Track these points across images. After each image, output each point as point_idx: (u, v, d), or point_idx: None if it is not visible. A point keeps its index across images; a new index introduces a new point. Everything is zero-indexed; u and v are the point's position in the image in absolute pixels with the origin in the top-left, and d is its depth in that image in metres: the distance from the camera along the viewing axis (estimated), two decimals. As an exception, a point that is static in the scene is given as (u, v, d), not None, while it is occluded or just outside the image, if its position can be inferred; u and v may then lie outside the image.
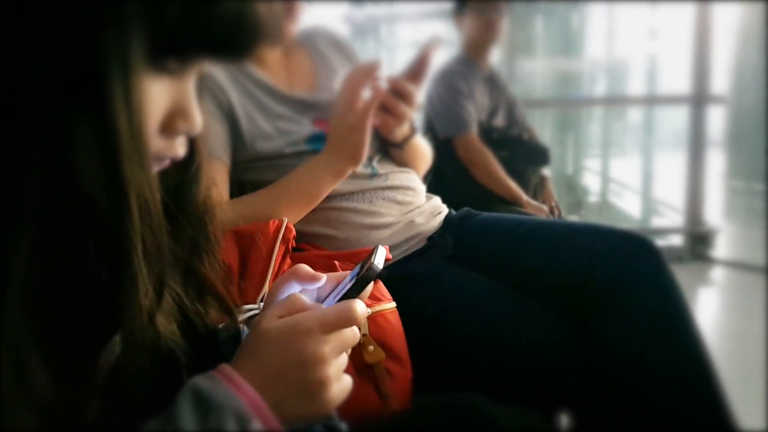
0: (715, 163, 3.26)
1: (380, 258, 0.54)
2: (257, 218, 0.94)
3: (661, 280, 0.94)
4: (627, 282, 0.93)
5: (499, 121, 2.27)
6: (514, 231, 1.11)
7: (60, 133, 0.37)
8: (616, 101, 4.15)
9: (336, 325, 0.49)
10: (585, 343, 0.96)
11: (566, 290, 0.99)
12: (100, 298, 0.42)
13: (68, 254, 0.40)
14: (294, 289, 0.57)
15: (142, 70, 0.39)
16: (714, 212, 3.21)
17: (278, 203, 0.97)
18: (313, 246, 1.02)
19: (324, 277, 0.57)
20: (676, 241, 3.17)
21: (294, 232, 0.87)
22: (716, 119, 3.29)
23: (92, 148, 0.38)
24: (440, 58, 5.00)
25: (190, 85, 0.46)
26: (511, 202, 2.08)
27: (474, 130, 2.12)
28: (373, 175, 1.13)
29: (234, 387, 0.46)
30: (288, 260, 0.87)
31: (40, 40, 0.36)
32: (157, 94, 0.43)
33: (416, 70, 1.04)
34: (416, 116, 1.18)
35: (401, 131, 1.11)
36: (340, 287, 0.55)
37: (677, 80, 3.53)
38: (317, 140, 1.09)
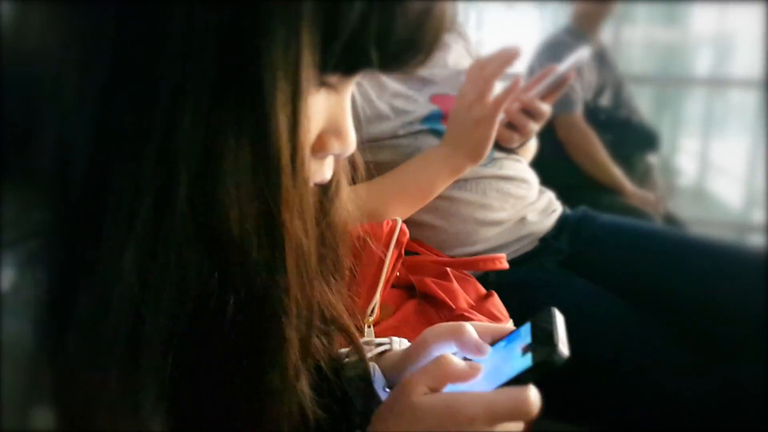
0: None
1: (562, 331, 0.43)
2: (367, 213, 0.85)
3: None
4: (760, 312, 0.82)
5: (606, 100, 2.10)
6: (645, 244, 0.99)
7: (209, 163, 0.30)
8: (722, 83, 3.82)
9: (505, 418, 0.40)
10: (720, 378, 0.85)
11: (706, 321, 0.87)
12: (234, 355, 0.34)
13: (205, 309, 0.33)
14: (447, 350, 0.48)
15: (309, 87, 0.31)
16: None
17: (391, 199, 0.89)
18: (420, 244, 0.93)
19: (489, 350, 0.47)
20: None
21: (408, 235, 0.78)
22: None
23: (247, 183, 0.30)
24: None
25: (347, 98, 0.38)
26: (614, 191, 1.94)
27: (579, 110, 1.96)
28: (489, 160, 1.03)
29: None
30: (400, 264, 0.78)
31: (195, 47, 0.28)
32: (314, 111, 0.35)
33: (552, 89, 0.93)
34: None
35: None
36: (501, 356, 0.45)
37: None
38: (434, 119, 1.00)
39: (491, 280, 0.95)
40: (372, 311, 0.72)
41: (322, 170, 0.40)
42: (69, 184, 0.30)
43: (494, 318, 0.76)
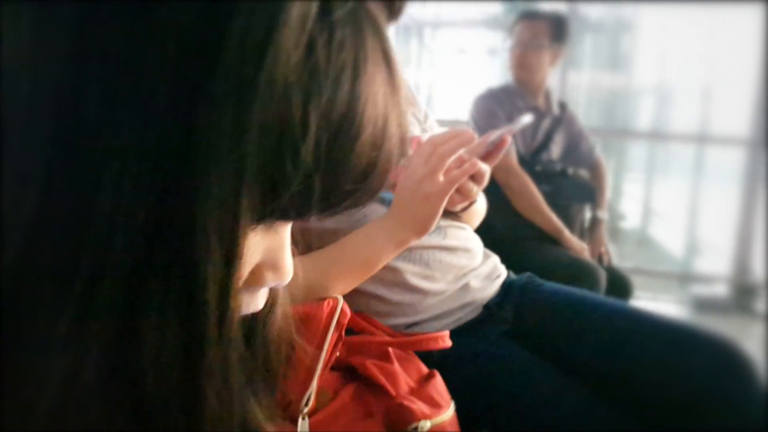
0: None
1: None
2: (306, 287, 0.83)
3: (752, 399, 0.83)
4: (716, 399, 0.83)
5: (554, 155, 2.13)
6: (588, 314, 0.99)
7: (127, 330, 0.28)
8: (663, 136, 3.95)
9: None
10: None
11: (644, 396, 0.87)
12: None
13: None
14: None
15: (243, 253, 0.30)
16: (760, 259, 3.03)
17: (334, 272, 0.86)
18: (363, 317, 0.91)
19: None
20: (720, 290, 3.01)
21: (349, 316, 0.76)
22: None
23: (168, 351, 0.28)
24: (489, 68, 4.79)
25: (288, 230, 0.36)
26: (553, 237, 1.97)
27: (513, 156, 1.99)
28: (434, 228, 1.01)
29: None
30: (340, 347, 0.76)
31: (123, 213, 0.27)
32: (249, 249, 0.33)
33: (491, 151, 0.93)
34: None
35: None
36: None
37: (735, 110, 3.34)
38: None
39: (435, 354, 0.93)
40: (308, 401, 0.69)
41: (255, 301, 0.38)
42: None
43: (434, 404, 0.74)
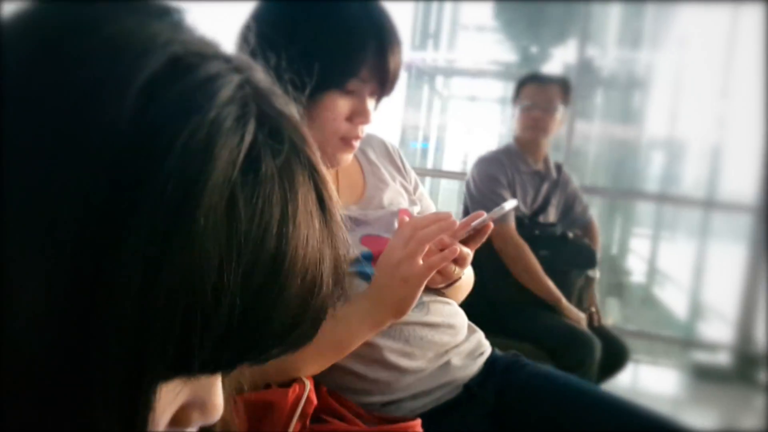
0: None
1: None
2: (275, 368, 0.81)
3: None
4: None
5: (551, 217, 2.13)
6: (573, 401, 0.96)
7: None
8: (671, 200, 3.93)
9: None
10: None
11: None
12: None
13: None
14: None
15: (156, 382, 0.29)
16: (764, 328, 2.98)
17: (306, 353, 0.84)
18: (337, 398, 0.89)
19: None
20: (722, 358, 2.95)
21: (315, 404, 0.74)
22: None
23: None
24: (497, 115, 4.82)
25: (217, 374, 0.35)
26: (549, 304, 1.94)
27: (512, 223, 1.98)
28: (417, 303, 1.00)
29: None
30: (303, 437, 0.74)
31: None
32: (170, 394, 0.32)
33: (474, 235, 0.92)
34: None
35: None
36: None
37: (743, 175, 3.32)
38: (363, 261, 0.98)
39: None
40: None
41: None
42: None
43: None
